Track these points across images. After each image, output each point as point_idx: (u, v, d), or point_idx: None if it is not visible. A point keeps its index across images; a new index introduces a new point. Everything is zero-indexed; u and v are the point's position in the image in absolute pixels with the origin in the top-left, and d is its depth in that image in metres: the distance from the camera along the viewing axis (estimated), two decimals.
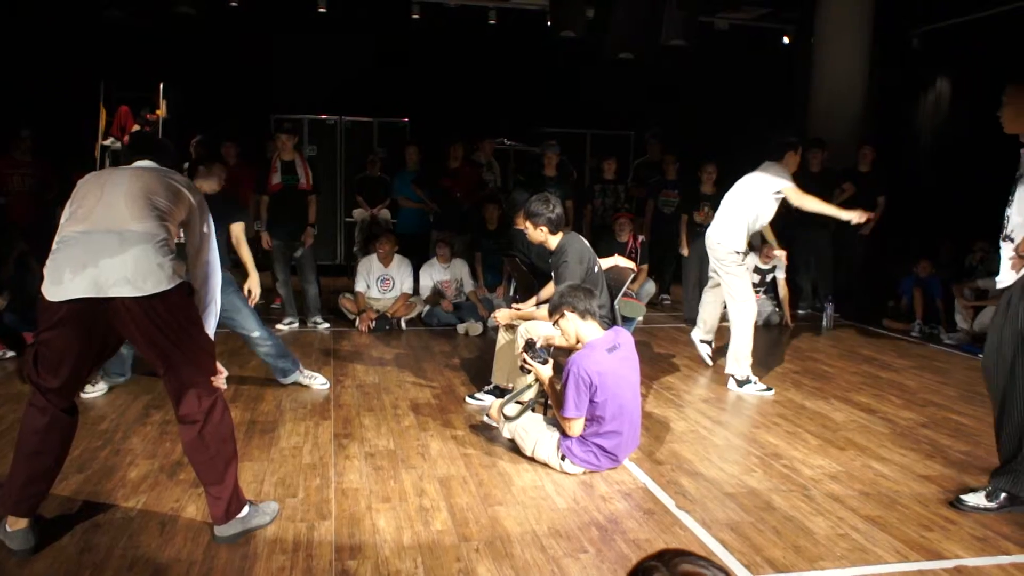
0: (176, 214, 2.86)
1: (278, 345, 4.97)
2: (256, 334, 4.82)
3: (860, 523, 3.27)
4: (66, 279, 2.63)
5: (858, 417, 4.75)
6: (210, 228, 3.06)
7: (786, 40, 10.47)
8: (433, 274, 7.32)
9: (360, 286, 7.12)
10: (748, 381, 5.27)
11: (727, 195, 5.51)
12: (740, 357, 5.29)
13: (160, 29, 8.84)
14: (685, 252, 7.74)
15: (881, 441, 4.33)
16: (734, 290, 5.36)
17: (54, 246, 2.73)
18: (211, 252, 3.06)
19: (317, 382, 5.06)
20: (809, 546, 3.05)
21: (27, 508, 2.81)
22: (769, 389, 5.22)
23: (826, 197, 7.91)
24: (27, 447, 2.77)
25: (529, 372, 3.90)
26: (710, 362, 5.90)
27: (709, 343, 5.94)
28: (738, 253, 5.32)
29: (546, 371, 3.82)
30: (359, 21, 9.73)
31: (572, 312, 3.74)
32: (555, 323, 3.84)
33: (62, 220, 2.83)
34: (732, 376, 5.32)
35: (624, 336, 3.85)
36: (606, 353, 3.65)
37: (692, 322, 7.68)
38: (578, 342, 3.79)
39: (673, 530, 3.17)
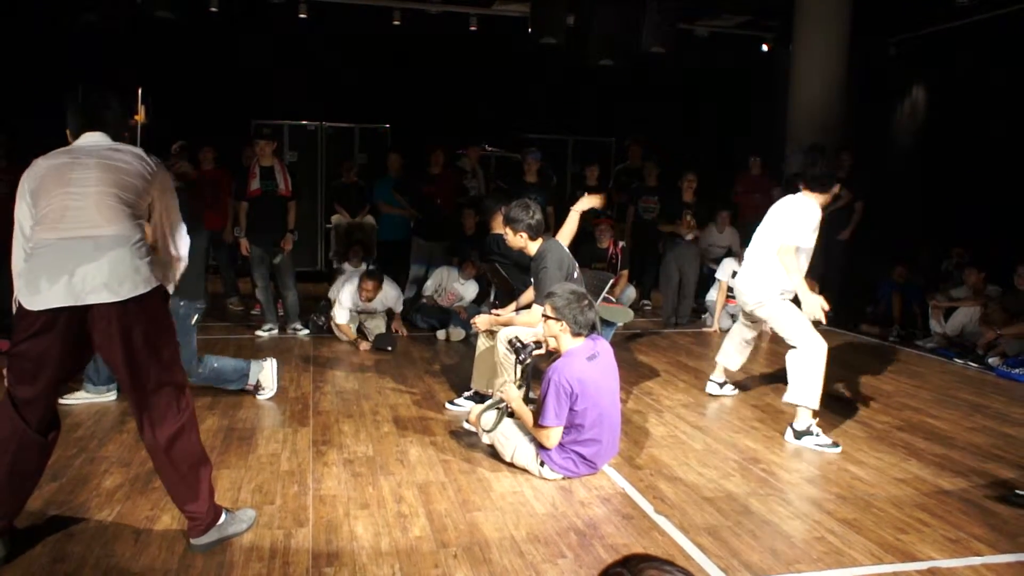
0: (143, 202, 2.81)
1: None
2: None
3: (836, 526, 3.30)
4: (43, 288, 2.59)
5: (835, 421, 4.79)
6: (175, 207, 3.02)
7: (765, 48, 10.58)
8: (448, 281, 7.19)
9: (342, 318, 6.54)
10: (808, 432, 4.37)
11: (756, 234, 4.81)
12: (806, 401, 4.38)
13: (139, 34, 8.76)
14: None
15: (858, 444, 4.37)
16: (793, 329, 4.52)
17: (28, 252, 2.69)
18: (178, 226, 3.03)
19: (264, 393, 4.95)
20: (786, 549, 3.07)
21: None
22: (836, 445, 4.28)
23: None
24: None
25: (514, 355, 3.98)
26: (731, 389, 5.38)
27: (722, 384, 5.34)
28: (781, 294, 4.61)
29: (514, 393, 3.84)
30: (340, 26, 9.71)
31: (568, 326, 3.70)
32: (545, 319, 3.76)
33: (18, 216, 2.76)
34: (791, 427, 4.45)
35: (603, 344, 3.86)
36: (586, 362, 3.66)
37: (672, 326, 7.76)
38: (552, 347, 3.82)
39: (651, 535, 3.18)
